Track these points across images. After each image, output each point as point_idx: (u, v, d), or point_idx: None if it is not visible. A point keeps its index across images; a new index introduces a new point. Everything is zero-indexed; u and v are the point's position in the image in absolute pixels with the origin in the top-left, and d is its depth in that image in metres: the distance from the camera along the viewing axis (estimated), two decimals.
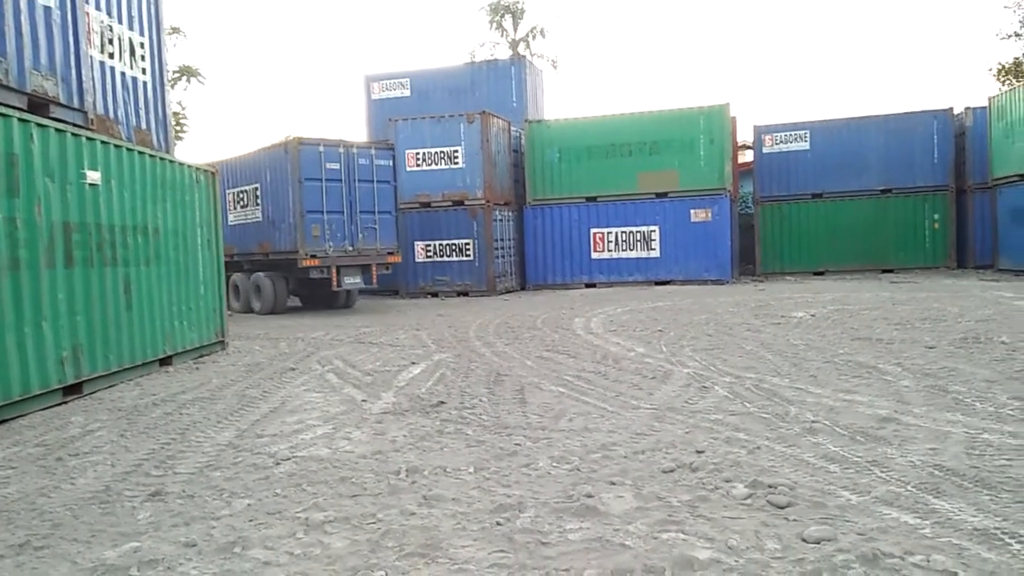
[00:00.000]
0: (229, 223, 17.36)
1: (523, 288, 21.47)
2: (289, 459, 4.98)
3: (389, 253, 16.81)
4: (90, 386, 7.63)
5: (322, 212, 15.56)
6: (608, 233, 20.76)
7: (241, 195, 17.32)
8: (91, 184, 7.75)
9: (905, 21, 68.72)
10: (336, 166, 15.80)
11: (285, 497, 4.23)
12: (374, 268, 16.40)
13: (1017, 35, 27.57)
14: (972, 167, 21.48)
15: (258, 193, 16.61)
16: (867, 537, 3.36)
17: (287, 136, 18.50)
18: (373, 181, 16.36)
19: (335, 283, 15.74)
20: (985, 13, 47.34)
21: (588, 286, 20.68)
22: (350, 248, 16.01)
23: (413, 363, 8.82)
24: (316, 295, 17.35)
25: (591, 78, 67.99)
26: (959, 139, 21.87)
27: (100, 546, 3.60)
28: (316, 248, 15.43)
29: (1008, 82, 26.70)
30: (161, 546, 3.57)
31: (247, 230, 17.09)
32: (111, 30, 9.10)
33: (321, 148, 15.69)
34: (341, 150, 15.96)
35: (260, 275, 16.54)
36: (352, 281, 16.14)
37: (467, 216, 19.71)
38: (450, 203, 19.84)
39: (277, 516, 3.93)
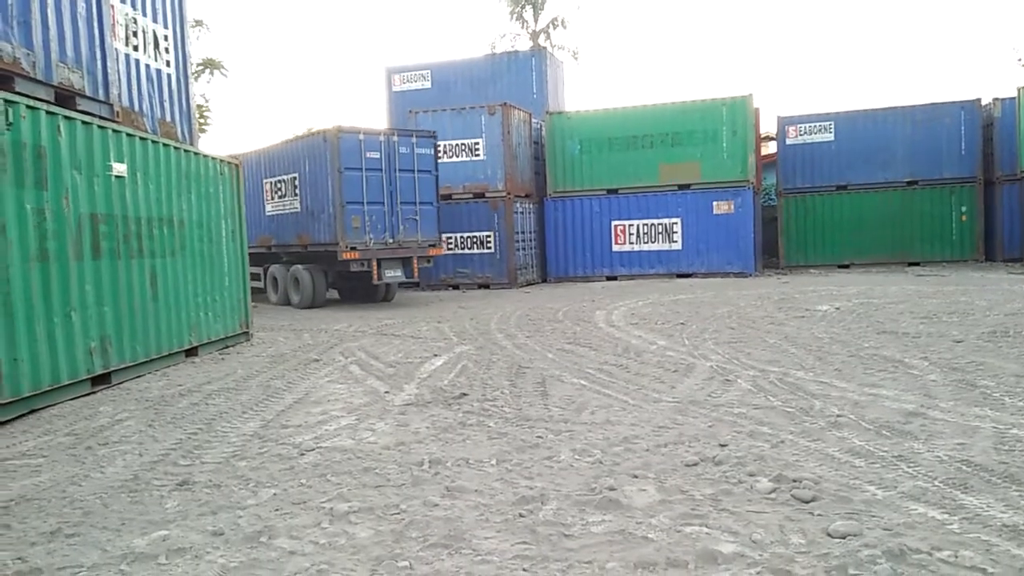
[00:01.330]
0: (267, 213, 17.32)
1: (544, 281, 21.45)
2: (314, 450, 5.03)
3: (431, 245, 16.34)
4: (118, 376, 7.75)
5: (362, 203, 15.14)
6: (629, 225, 20.66)
7: (279, 185, 17.00)
8: (117, 176, 7.85)
9: (932, 10, 67.56)
10: (376, 155, 15.38)
11: (310, 487, 4.27)
12: (415, 261, 15.95)
13: None
14: (1000, 158, 21.10)
15: (296, 183, 16.29)
16: (893, 532, 3.33)
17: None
18: (414, 171, 15.91)
19: (376, 276, 15.37)
20: (1014, 2, 46.39)
21: (609, 279, 20.61)
22: (391, 240, 15.58)
23: (435, 355, 8.85)
24: (355, 288, 17.05)
25: (612, 69, 67.67)
26: (987, 130, 21.48)
27: (129, 534, 3.66)
28: (356, 240, 15.04)
29: None
30: (189, 535, 3.62)
31: (285, 221, 16.80)
32: (135, 23, 9.19)
33: (361, 136, 15.28)
34: (382, 139, 15.56)
35: (299, 267, 16.20)
36: (393, 274, 15.70)
37: (488, 208, 19.69)
38: (471, 195, 19.83)
39: (302, 506, 3.97)
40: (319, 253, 15.84)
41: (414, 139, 16.09)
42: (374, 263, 15.23)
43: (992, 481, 3.91)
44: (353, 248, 14.97)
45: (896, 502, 3.69)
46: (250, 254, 17.37)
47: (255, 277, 17.72)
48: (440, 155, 20.01)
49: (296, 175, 16.23)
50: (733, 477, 4.18)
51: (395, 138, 15.76)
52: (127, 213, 8.04)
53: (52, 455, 5.15)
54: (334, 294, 17.77)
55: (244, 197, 17.48)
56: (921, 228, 21.71)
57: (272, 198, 17.20)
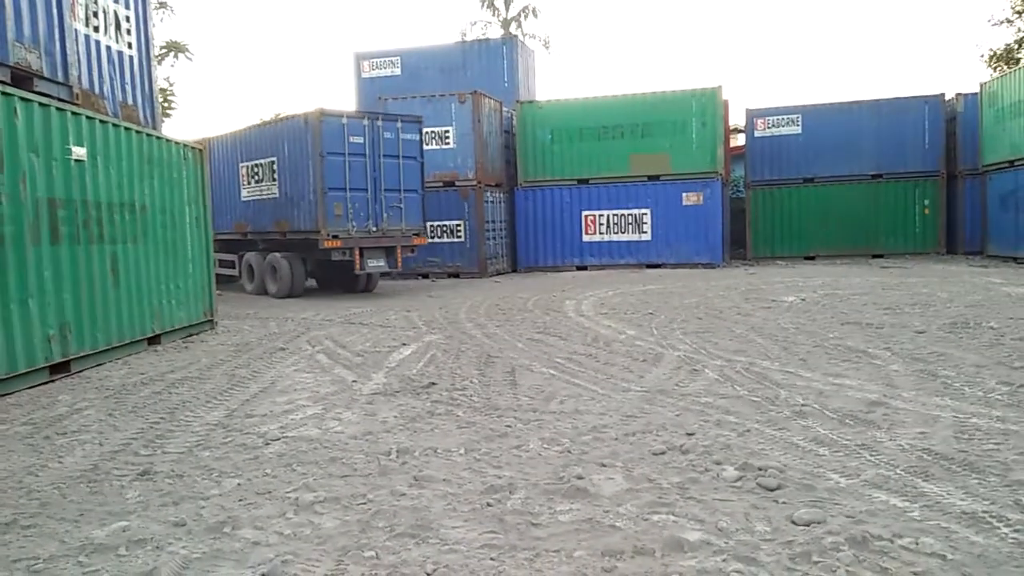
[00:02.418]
0: (243, 199, 16.69)
1: (514, 270, 21.44)
2: (279, 439, 4.96)
3: (415, 235, 15.74)
4: (77, 365, 7.57)
5: (345, 189, 14.52)
6: (600, 216, 20.71)
7: (256, 169, 16.24)
8: (76, 160, 7.65)
9: (897, 6, 68.55)
10: (360, 140, 14.72)
11: (275, 477, 4.21)
12: (399, 251, 15.34)
13: (1009, 21, 27.55)
14: (962, 153, 21.53)
15: (275, 168, 15.59)
16: (856, 520, 3.38)
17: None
18: (399, 157, 15.28)
19: (358, 266, 14.77)
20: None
21: (579, 269, 20.67)
22: (374, 229, 14.96)
23: (404, 344, 8.79)
24: (334, 278, 16.51)
25: (583, 59, 67.64)
26: (950, 125, 21.89)
27: (88, 525, 3.58)
28: (338, 228, 14.44)
29: (999, 68, 26.70)
30: (150, 525, 3.55)
31: (262, 207, 16.12)
32: (96, 3, 8.95)
33: (344, 120, 14.65)
34: (366, 122, 14.90)
35: (276, 255, 15.62)
36: (375, 264, 15.09)
37: (458, 197, 19.59)
38: (441, 184, 19.68)
39: (267, 496, 3.91)
40: (298, 241, 15.33)
41: (399, 124, 15.50)
42: (356, 252, 14.65)
43: (952, 469, 3.99)
44: (335, 236, 14.42)
45: (859, 490, 3.74)
46: (224, 241, 17.00)
47: (229, 265, 17.22)
48: None
49: (275, 159, 15.60)
50: (700, 466, 4.21)
51: (380, 122, 15.15)
52: (87, 198, 7.84)
53: (8, 445, 5.02)
54: (312, 283, 17.34)
55: (209, 182, 17.05)
56: (885, 221, 22.09)
57: (249, 183, 16.52)
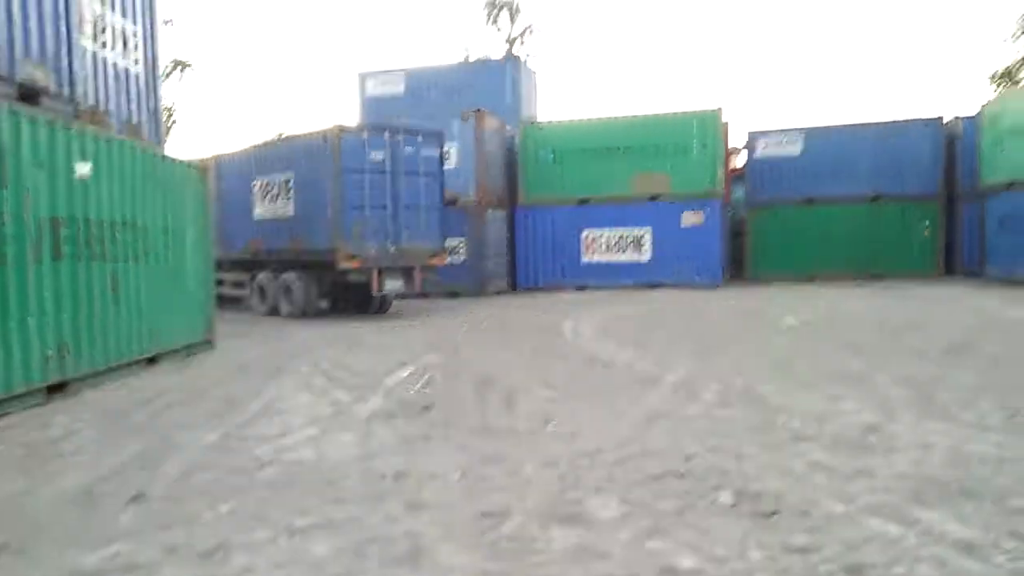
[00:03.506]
0: (255, 217, 16.15)
1: (514, 290, 21.43)
2: (274, 462, 4.95)
3: (434, 255, 15.27)
4: (75, 385, 7.54)
5: (363, 207, 14.00)
6: (599, 235, 20.75)
7: (270, 186, 15.70)
8: (81, 178, 7.67)
9: (899, 28, 69.07)
10: (380, 156, 14.23)
11: (269, 501, 4.19)
12: (417, 272, 14.86)
13: (1014, 39, 27.64)
14: (962, 175, 21.59)
15: (290, 185, 15.07)
16: (851, 547, 3.36)
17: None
18: (419, 174, 14.79)
19: (375, 287, 14.25)
20: (982, 21, 47.62)
21: (579, 289, 20.64)
22: (392, 248, 14.40)
23: (402, 365, 8.77)
24: (347, 298, 15.77)
25: (586, 79, 68.13)
26: (949, 147, 21.98)
27: (79, 550, 3.56)
28: (356, 247, 13.89)
29: (1001, 88, 26.84)
30: (141, 550, 3.53)
31: (277, 225, 15.55)
32: (103, 19, 8.99)
33: (364, 136, 14.24)
34: (386, 138, 14.39)
35: (290, 275, 15.03)
36: (393, 285, 14.57)
37: (459, 216, 19.61)
38: None
39: (260, 521, 3.90)
40: (314, 260, 14.73)
41: (420, 139, 15.01)
42: (374, 273, 14.13)
43: (947, 496, 3.97)
44: (353, 256, 13.88)
45: (854, 516, 3.73)
46: (235, 261, 16.71)
47: (240, 285, 16.80)
48: None
49: (291, 176, 15.12)
50: (696, 491, 4.20)
51: (400, 138, 14.62)
52: (90, 216, 7.84)
53: (2, 467, 5.01)
54: (324, 304, 16.69)
55: (212, 202, 16.87)
56: (885, 242, 22.07)
57: (263, 200, 15.98)
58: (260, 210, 16.08)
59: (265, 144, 16.34)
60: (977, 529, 3.51)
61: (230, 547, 3.54)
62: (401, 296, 16.16)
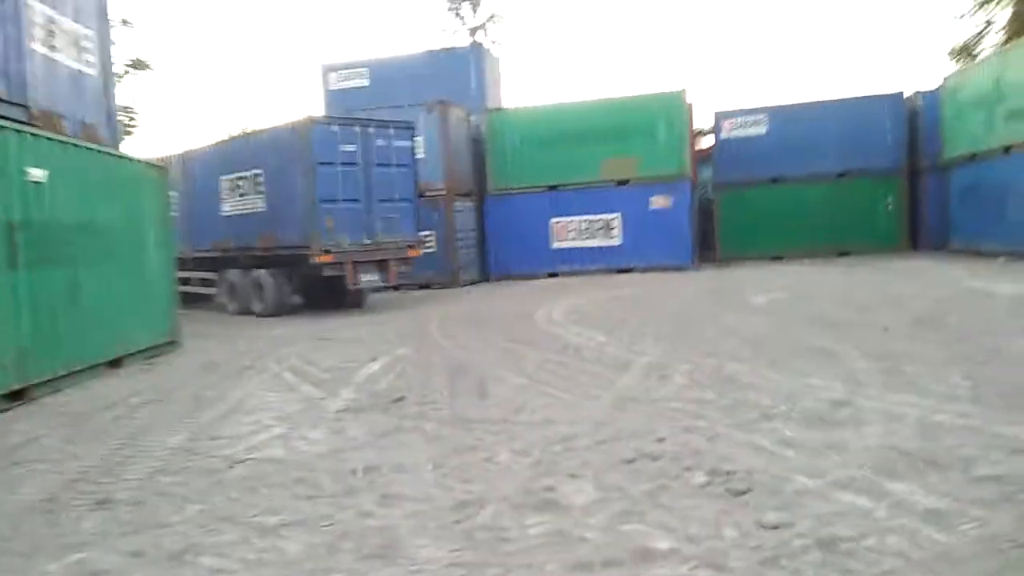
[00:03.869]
0: (223, 213, 15.81)
1: (486, 279, 21.36)
2: (243, 461, 4.87)
3: (409, 247, 15.08)
4: (36, 391, 7.37)
5: (336, 201, 13.76)
6: (569, 222, 20.74)
7: (239, 182, 15.28)
8: (35, 182, 7.48)
9: (861, 4, 69.83)
10: (352, 148, 13.97)
11: (239, 501, 4.13)
12: (392, 264, 14.65)
13: (969, 15, 27.99)
14: (924, 149, 21.87)
15: (260, 180, 14.69)
16: (824, 521, 3.39)
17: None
18: (391, 165, 14.58)
19: (351, 281, 14.05)
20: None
21: (551, 276, 20.64)
22: (367, 241, 14.19)
23: (373, 359, 8.69)
24: (321, 294, 15.49)
25: (552, 65, 67.91)
26: (912, 121, 22.26)
27: (42, 559, 3.48)
28: (330, 241, 13.64)
29: (960, 63, 27.21)
30: (107, 557, 3.46)
31: (246, 221, 15.19)
32: (54, 22, 8.79)
33: (335, 128, 13.99)
34: (357, 130, 14.18)
35: (261, 272, 14.74)
36: (369, 279, 14.35)
37: (428, 207, 19.48)
38: None
39: (230, 521, 3.83)
40: (286, 256, 14.47)
41: (391, 131, 14.81)
42: (349, 267, 13.90)
43: (916, 467, 4.02)
44: (327, 251, 13.61)
45: (826, 491, 3.76)
46: (203, 259, 16.43)
47: (209, 284, 16.50)
48: None
49: (260, 171, 14.72)
50: (670, 472, 4.21)
51: (371, 130, 14.43)
52: (47, 220, 7.66)
53: None
54: (298, 300, 16.34)
55: (179, 199, 16.48)
56: (851, 219, 22.31)
57: (231, 196, 15.59)
58: (229, 206, 15.73)
59: (232, 139, 15.91)
60: (945, 499, 3.56)
61: (200, 549, 3.48)
62: (374, 289, 16.06)
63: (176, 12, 72.08)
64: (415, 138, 15.63)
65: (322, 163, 13.67)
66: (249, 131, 15.49)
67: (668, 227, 20.05)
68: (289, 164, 14.04)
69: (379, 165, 14.44)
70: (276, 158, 14.42)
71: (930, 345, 7.38)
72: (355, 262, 14.02)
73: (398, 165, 14.80)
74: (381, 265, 14.57)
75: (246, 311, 15.13)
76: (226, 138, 16.28)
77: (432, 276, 19.45)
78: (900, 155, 22.13)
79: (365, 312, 14.61)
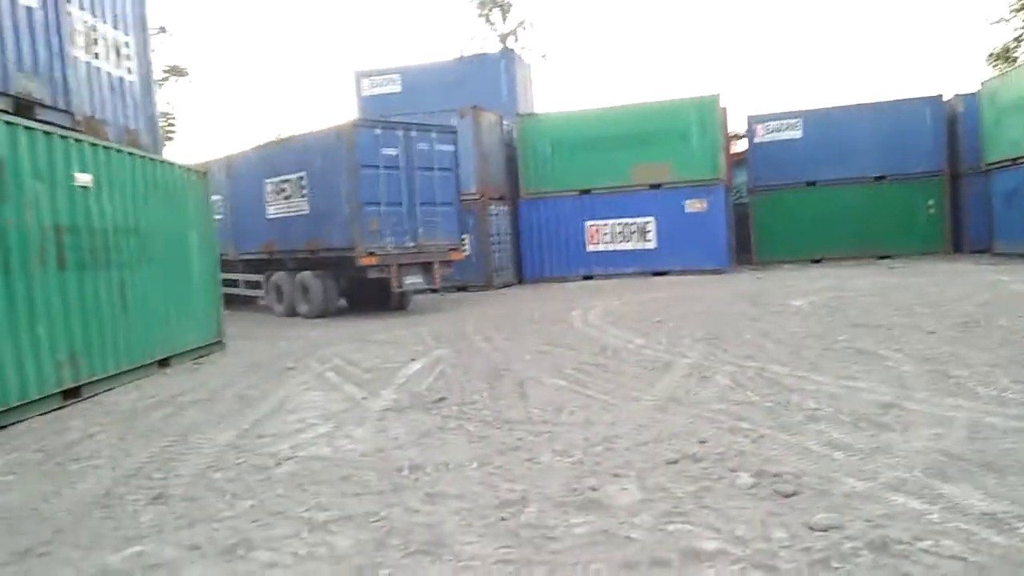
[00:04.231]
0: (268, 216, 15.96)
1: (520, 282, 21.43)
2: (291, 459, 4.95)
3: (451, 249, 15.16)
4: (88, 390, 7.58)
5: (380, 204, 13.86)
6: (603, 225, 20.72)
7: (283, 185, 15.46)
8: (81, 186, 7.69)
9: (896, 8, 68.67)
10: (394, 152, 14.12)
11: (288, 497, 4.20)
12: (436, 267, 14.70)
13: (1006, 20, 27.54)
14: (965, 152, 21.49)
15: (304, 183, 14.87)
16: (875, 524, 3.35)
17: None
18: (434, 169, 14.73)
19: (395, 284, 14.14)
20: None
21: (585, 278, 20.64)
22: (411, 244, 14.29)
23: (413, 359, 8.78)
24: (366, 296, 15.70)
25: (582, 70, 67.91)
26: (951, 125, 21.88)
27: (103, 551, 3.57)
28: (374, 244, 13.76)
29: (998, 67, 26.70)
30: (164, 549, 3.54)
31: (291, 224, 15.36)
32: (95, 30, 9.02)
33: (378, 131, 14.04)
34: (400, 133, 14.30)
35: (307, 274, 14.90)
36: (413, 281, 14.42)
37: (463, 211, 19.56)
38: None
39: (280, 516, 3.90)
40: (331, 259, 14.60)
41: (434, 135, 14.92)
42: (394, 269, 14.01)
43: (969, 470, 3.95)
44: (371, 253, 13.73)
45: (876, 493, 3.71)
46: (249, 261, 16.72)
47: (255, 286, 16.70)
48: None
49: (304, 174, 14.90)
50: (714, 473, 4.18)
51: (414, 133, 14.55)
52: (93, 224, 7.87)
53: (22, 472, 5.03)
54: (343, 302, 16.42)
55: (224, 202, 16.70)
56: (890, 222, 22.00)
57: (276, 199, 15.78)
58: (274, 209, 15.89)
59: (277, 142, 15.97)
60: (1002, 502, 3.49)
61: (252, 543, 3.55)
62: (418, 291, 16.02)
63: (212, 21, 73.43)
64: (457, 142, 15.63)
65: (365, 166, 13.75)
66: (288, 136, 15.60)
67: (703, 230, 19.93)
68: (333, 167, 14.14)
69: (421, 169, 14.54)
70: (320, 161, 14.52)
71: (976, 348, 7.24)
72: (399, 264, 14.12)
73: (440, 169, 14.89)
74: (425, 267, 14.63)
75: (292, 313, 15.29)
76: (270, 141, 16.45)
77: (468, 279, 19.56)
78: (940, 158, 21.76)
79: (403, 314, 14.72)
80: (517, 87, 25.68)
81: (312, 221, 14.79)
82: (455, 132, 15.69)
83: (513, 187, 21.66)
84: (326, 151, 14.37)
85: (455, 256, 15.35)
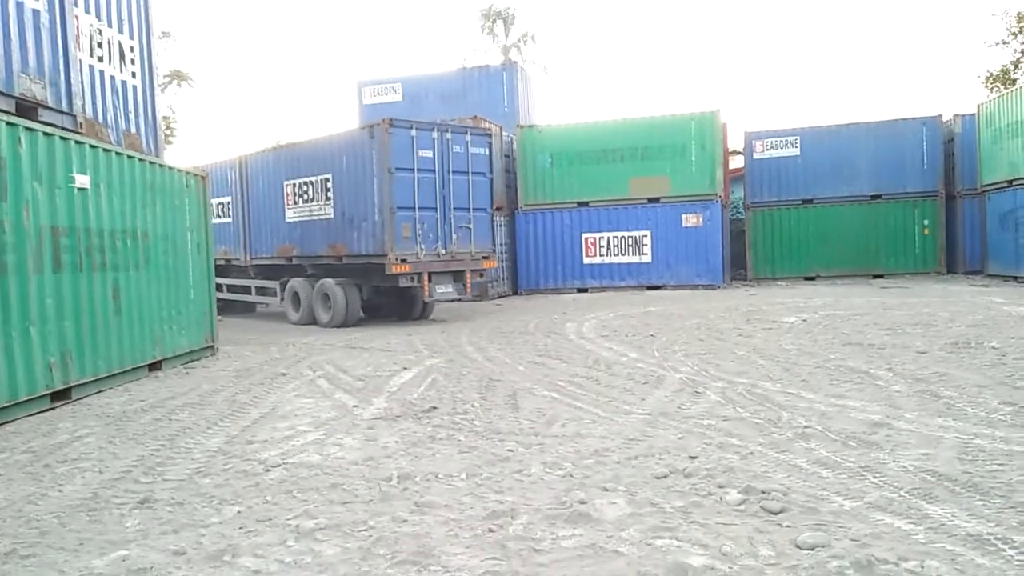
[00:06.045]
0: (287, 220, 15.33)
1: (515, 293, 21.45)
2: (280, 465, 4.94)
3: (484, 257, 14.54)
4: (79, 392, 7.56)
5: (414, 208, 13.23)
6: (600, 238, 20.78)
7: (305, 187, 14.79)
8: (80, 188, 7.69)
9: (894, 29, 69.21)
10: (429, 154, 13.45)
11: (275, 504, 4.18)
12: (468, 275, 14.15)
13: (1004, 43, 27.78)
14: (961, 173, 21.65)
15: (329, 185, 14.18)
16: (861, 543, 3.35)
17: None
18: (468, 172, 14.05)
19: (426, 293, 13.63)
20: (973, 21, 47.70)
21: (580, 291, 20.67)
22: (443, 251, 13.68)
23: (405, 368, 8.77)
24: (387, 304, 15.16)
25: (582, 84, 68.22)
26: (948, 145, 22.03)
27: (88, 554, 3.55)
28: (406, 251, 13.13)
29: (996, 89, 26.90)
30: (149, 554, 3.52)
31: (312, 228, 14.67)
32: (100, 33, 9.05)
33: (413, 132, 13.32)
34: (435, 135, 13.59)
35: (329, 282, 14.17)
36: (444, 290, 13.85)
37: None
38: None
39: (267, 523, 3.89)
40: (357, 266, 13.96)
41: (468, 137, 14.25)
42: (425, 277, 13.42)
43: (956, 491, 3.96)
44: (404, 260, 13.09)
45: (863, 512, 3.72)
46: (264, 266, 16.28)
47: (269, 292, 16.07)
48: None
49: (330, 176, 14.19)
50: (703, 489, 4.18)
51: (449, 135, 13.81)
52: (90, 226, 7.87)
53: (8, 473, 5.00)
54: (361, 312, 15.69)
55: (240, 203, 16.31)
56: (885, 241, 22.14)
57: (296, 202, 15.08)
58: (293, 213, 15.24)
59: (297, 143, 15.42)
60: (987, 523, 3.50)
61: (238, 549, 3.53)
62: (448, 300, 15.42)
63: (216, 27, 73.62)
64: (492, 145, 15.02)
65: (399, 169, 13.17)
66: (317, 136, 14.87)
67: (699, 245, 20.01)
68: (363, 169, 13.54)
69: (456, 172, 13.96)
70: (347, 162, 13.91)
71: (967, 369, 7.27)
72: (431, 273, 13.61)
73: (475, 173, 14.29)
74: (456, 276, 14.13)
75: (311, 321, 14.70)
76: (292, 142, 15.82)
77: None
78: (936, 179, 21.91)
79: (397, 323, 14.68)
80: (518, 99, 25.80)
81: (336, 225, 14.20)
82: (490, 135, 15.11)
83: (511, 198, 21.71)
84: (355, 152, 13.76)
85: (487, 264, 14.78)
